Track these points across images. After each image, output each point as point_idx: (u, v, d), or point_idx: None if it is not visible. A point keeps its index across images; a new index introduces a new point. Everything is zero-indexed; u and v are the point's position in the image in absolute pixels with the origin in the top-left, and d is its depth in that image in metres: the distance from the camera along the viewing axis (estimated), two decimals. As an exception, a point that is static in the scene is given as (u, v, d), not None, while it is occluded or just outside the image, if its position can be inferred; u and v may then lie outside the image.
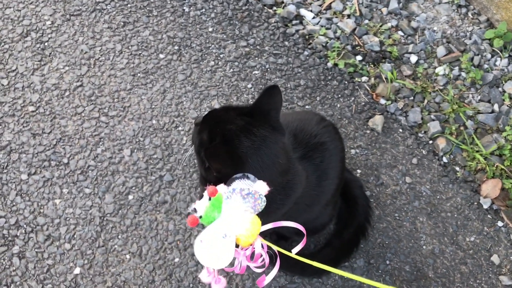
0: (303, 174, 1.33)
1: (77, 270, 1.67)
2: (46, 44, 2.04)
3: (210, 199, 0.87)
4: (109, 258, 1.69)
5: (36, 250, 1.69)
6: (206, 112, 1.29)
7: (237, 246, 0.88)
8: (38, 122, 1.89)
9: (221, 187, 0.91)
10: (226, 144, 1.13)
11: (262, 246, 0.93)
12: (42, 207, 1.75)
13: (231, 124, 1.17)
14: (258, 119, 1.19)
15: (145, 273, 1.68)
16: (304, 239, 1.11)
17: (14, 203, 1.75)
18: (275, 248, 0.97)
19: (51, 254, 1.69)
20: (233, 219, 0.85)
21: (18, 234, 1.71)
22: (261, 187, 0.96)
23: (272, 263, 1.04)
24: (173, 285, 1.66)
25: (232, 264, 0.92)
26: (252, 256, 0.96)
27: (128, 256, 1.70)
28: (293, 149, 1.35)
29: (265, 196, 1.02)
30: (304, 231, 1.10)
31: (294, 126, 1.43)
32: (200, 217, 0.86)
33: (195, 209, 0.90)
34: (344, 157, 1.56)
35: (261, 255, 0.91)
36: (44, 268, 1.67)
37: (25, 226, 1.72)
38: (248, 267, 0.92)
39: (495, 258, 1.79)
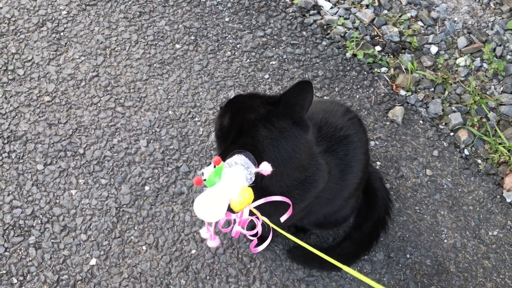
0: (325, 169, 1.29)
1: (93, 261, 1.66)
2: (62, 34, 2.02)
3: (214, 166, 1.03)
4: (125, 249, 1.68)
5: (52, 240, 1.68)
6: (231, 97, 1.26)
7: (232, 211, 1.04)
8: (54, 112, 1.88)
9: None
10: (242, 134, 1.11)
11: (258, 218, 1.07)
12: (58, 198, 1.74)
13: (253, 113, 1.14)
14: (281, 111, 1.15)
15: (162, 265, 1.66)
16: (290, 209, 1.14)
17: (30, 193, 1.74)
18: (271, 225, 1.09)
19: (67, 245, 1.67)
20: (228, 184, 1.01)
21: (34, 225, 1.70)
22: (266, 167, 1.05)
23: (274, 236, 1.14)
24: (189, 277, 1.64)
25: (228, 224, 1.08)
26: (253, 228, 1.10)
27: (144, 248, 1.68)
28: (317, 142, 1.32)
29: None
30: (290, 203, 1.12)
31: (319, 118, 1.39)
32: (204, 180, 1.03)
33: (202, 173, 1.05)
34: (368, 149, 1.53)
35: (249, 221, 1.06)
36: (60, 258, 1.65)
37: (41, 216, 1.71)
38: (243, 234, 1.10)
39: (518, 253, 1.74)
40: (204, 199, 0.99)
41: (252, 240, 1.15)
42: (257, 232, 1.10)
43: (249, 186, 1.03)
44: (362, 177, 1.49)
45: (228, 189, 1.00)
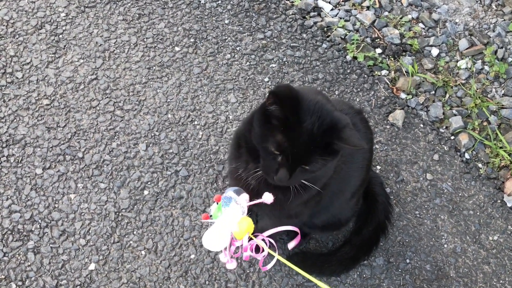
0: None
1: (92, 266, 1.65)
2: (60, 36, 2.01)
3: (217, 203, 1.21)
4: (124, 254, 1.67)
5: (51, 245, 1.67)
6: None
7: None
8: (52, 116, 1.87)
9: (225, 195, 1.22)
10: None
11: (264, 241, 1.23)
12: (57, 202, 1.74)
13: None
14: None
15: (161, 270, 1.65)
16: (298, 237, 1.38)
17: (29, 198, 1.74)
18: (265, 248, 1.21)
19: (66, 250, 1.67)
20: (226, 219, 1.17)
21: (33, 229, 1.69)
22: (243, 199, 1.20)
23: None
24: (188, 282, 1.64)
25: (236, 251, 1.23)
26: (257, 249, 1.24)
27: (143, 252, 1.68)
28: None
29: None
30: (298, 231, 1.32)
31: None
32: (211, 216, 1.21)
33: (210, 209, 1.27)
34: (373, 147, 1.52)
35: (249, 247, 1.21)
36: (59, 263, 1.65)
37: (40, 221, 1.70)
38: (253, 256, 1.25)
39: (519, 258, 1.74)
40: (209, 234, 1.16)
41: (259, 259, 1.26)
42: (264, 251, 1.22)
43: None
44: (366, 174, 1.49)
45: (227, 223, 1.16)
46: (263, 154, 1.13)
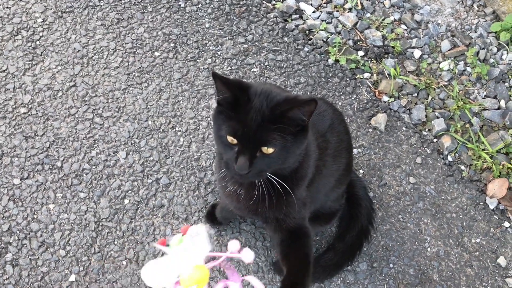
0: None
1: (72, 278, 1.63)
2: (37, 42, 1.97)
3: (182, 235, 0.93)
4: (105, 265, 1.65)
5: (30, 257, 1.64)
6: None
7: None
8: (30, 124, 1.83)
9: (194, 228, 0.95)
10: None
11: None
12: (35, 213, 1.71)
13: None
14: None
15: (142, 280, 1.63)
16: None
17: (6, 209, 1.70)
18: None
19: (45, 261, 1.64)
20: (182, 256, 0.90)
21: (11, 241, 1.66)
22: (234, 246, 0.95)
23: None
24: (171, 292, 1.62)
25: None
26: None
27: (124, 263, 1.66)
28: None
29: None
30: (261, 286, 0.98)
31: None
32: (168, 245, 0.92)
33: (170, 238, 0.95)
34: (348, 129, 1.51)
35: None
36: (38, 275, 1.62)
37: (18, 232, 1.67)
38: None
39: (501, 260, 1.74)
40: (152, 266, 0.90)
41: None
42: None
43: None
44: (349, 158, 1.49)
45: (181, 261, 0.89)
46: (221, 149, 1.11)
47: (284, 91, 1.12)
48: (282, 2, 2.16)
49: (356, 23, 2.14)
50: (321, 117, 1.39)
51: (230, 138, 1.05)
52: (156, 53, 1.99)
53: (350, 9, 2.17)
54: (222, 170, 1.21)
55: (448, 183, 1.85)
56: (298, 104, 1.02)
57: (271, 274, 1.66)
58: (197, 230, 0.91)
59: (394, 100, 1.98)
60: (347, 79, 2.00)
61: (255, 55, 2.02)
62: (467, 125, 1.95)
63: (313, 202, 1.43)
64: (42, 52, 1.96)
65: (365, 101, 1.97)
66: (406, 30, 2.16)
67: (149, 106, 1.89)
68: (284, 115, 1.03)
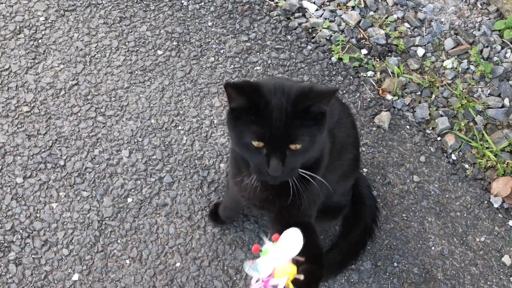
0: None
1: (75, 277, 1.62)
2: (40, 41, 1.97)
3: (272, 242, 1.05)
4: (108, 264, 1.64)
5: (33, 256, 1.64)
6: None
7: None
8: (33, 123, 1.83)
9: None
10: None
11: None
12: (38, 212, 1.70)
13: None
14: None
15: (146, 279, 1.63)
16: None
17: (9, 208, 1.70)
18: None
19: (48, 260, 1.64)
20: (283, 250, 1.01)
21: (14, 240, 1.65)
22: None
23: None
24: (174, 291, 1.61)
25: None
26: None
27: (128, 261, 1.65)
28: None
29: None
30: None
31: None
32: (260, 250, 1.05)
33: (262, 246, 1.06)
34: (354, 122, 1.49)
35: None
36: (41, 274, 1.62)
37: (21, 231, 1.67)
38: None
39: (506, 259, 1.73)
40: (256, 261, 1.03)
41: None
42: None
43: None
44: (356, 151, 1.48)
45: (281, 254, 1.01)
46: (248, 155, 1.08)
47: (294, 82, 1.09)
48: (285, 0, 2.16)
49: (359, 21, 2.13)
50: (329, 112, 1.37)
51: (256, 143, 1.02)
52: (159, 52, 1.98)
53: (353, 7, 2.16)
54: (250, 177, 1.19)
55: (452, 181, 1.84)
56: (320, 96, 1.01)
57: (274, 273, 1.65)
58: (291, 233, 1.02)
59: (398, 99, 1.97)
60: (351, 77, 2.00)
61: (258, 53, 2.01)
62: (471, 124, 1.94)
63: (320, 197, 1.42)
64: (44, 51, 1.95)
65: (369, 99, 1.96)
66: (409, 28, 2.15)
67: (152, 105, 1.88)
68: (307, 109, 1.01)
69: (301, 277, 1.00)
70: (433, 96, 1.99)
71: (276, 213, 1.30)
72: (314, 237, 1.24)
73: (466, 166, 1.88)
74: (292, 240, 1.02)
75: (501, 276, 1.71)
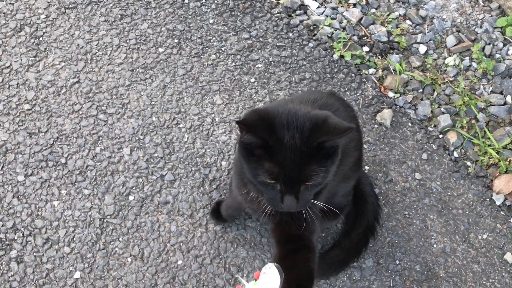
0: None
1: (77, 274, 1.62)
2: (41, 39, 1.96)
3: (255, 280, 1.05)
4: (110, 262, 1.64)
5: (34, 254, 1.64)
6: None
7: None
8: (34, 121, 1.82)
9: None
10: None
11: None
12: (40, 209, 1.70)
13: None
14: None
15: (148, 276, 1.63)
16: None
17: (11, 206, 1.70)
18: None
19: (50, 258, 1.64)
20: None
21: (15, 238, 1.65)
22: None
23: None
24: (176, 289, 1.61)
25: None
26: None
27: (129, 259, 1.65)
28: None
29: None
30: None
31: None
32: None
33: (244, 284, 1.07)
34: (358, 123, 1.49)
35: None
36: (43, 272, 1.62)
37: (22, 229, 1.67)
38: None
39: (508, 257, 1.73)
40: None
41: None
42: None
43: None
44: (359, 154, 1.47)
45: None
46: (261, 187, 1.07)
47: (308, 109, 1.06)
48: (286, -3, 2.15)
49: (361, 19, 2.13)
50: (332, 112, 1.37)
51: (269, 181, 1.02)
52: (160, 49, 1.98)
53: (354, 5, 2.16)
54: (252, 194, 1.19)
55: (454, 179, 1.84)
56: (335, 133, 0.99)
57: (276, 270, 1.65)
58: (270, 270, 1.01)
59: (400, 96, 1.97)
60: (352, 74, 1.99)
61: (259, 50, 2.01)
62: (473, 121, 1.94)
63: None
64: (45, 49, 1.95)
65: (371, 97, 1.95)
66: (411, 25, 2.14)
67: (153, 103, 1.88)
68: (321, 145, 1.00)
69: None
70: (435, 93, 1.99)
71: (276, 224, 1.29)
72: (307, 257, 1.22)
73: (468, 163, 1.87)
74: (271, 277, 1.00)
75: (503, 274, 1.71)
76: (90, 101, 1.87)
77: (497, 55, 2.07)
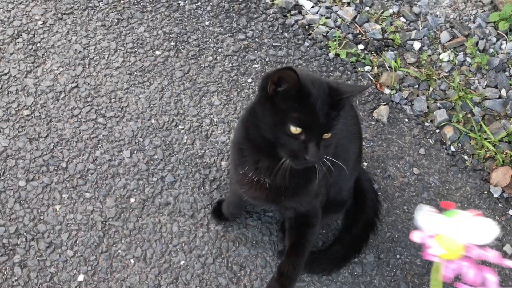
0: None
1: (81, 277, 1.63)
2: (38, 45, 1.98)
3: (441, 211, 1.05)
4: (113, 264, 1.65)
5: (38, 258, 1.65)
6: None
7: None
8: (34, 126, 1.84)
9: None
10: None
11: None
12: (42, 214, 1.71)
13: None
14: None
15: (151, 278, 1.64)
16: None
17: (13, 211, 1.71)
18: None
19: (53, 262, 1.65)
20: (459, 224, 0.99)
21: (18, 243, 1.66)
22: None
23: None
24: (179, 289, 1.62)
25: None
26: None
27: (132, 261, 1.66)
28: None
29: None
30: None
31: None
32: (450, 211, 1.05)
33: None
34: (357, 114, 1.56)
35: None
36: (47, 276, 1.63)
37: (25, 234, 1.68)
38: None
39: (507, 248, 1.75)
40: (428, 212, 1.00)
41: None
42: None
43: None
44: (359, 146, 1.55)
45: (464, 232, 0.96)
46: (283, 140, 1.11)
47: (318, 76, 1.19)
48: (281, -2, 2.17)
49: (355, 17, 2.15)
50: None
51: (295, 129, 1.07)
52: (157, 52, 1.99)
53: (348, 3, 2.18)
54: (246, 167, 1.25)
55: (452, 173, 1.86)
56: (353, 91, 1.12)
57: (278, 268, 1.66)
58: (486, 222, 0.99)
59: (396, 92, 1.99)
60: (348, 72, 2.01)
61: (255, 51, 2.02)
62: (469, 115, 1.96)
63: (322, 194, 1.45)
64: (43, 54, 1.96)
65: (367, 94, 1.97)
66: (405, 22, 2.16)
67: (152, 105, 1.89)
68: (340, 102, 1.09)
69: None
70: (431, 89, 2.01)
71: (280, 207, 1.37)
72: (305, 234, 1.41)
73: (465, 157, 1.89)
74: (484, 228, 0.97)
75: (503, 266, 1.72)
76: (89, 105, 1.88)
77: (491, 50, 2.09)
